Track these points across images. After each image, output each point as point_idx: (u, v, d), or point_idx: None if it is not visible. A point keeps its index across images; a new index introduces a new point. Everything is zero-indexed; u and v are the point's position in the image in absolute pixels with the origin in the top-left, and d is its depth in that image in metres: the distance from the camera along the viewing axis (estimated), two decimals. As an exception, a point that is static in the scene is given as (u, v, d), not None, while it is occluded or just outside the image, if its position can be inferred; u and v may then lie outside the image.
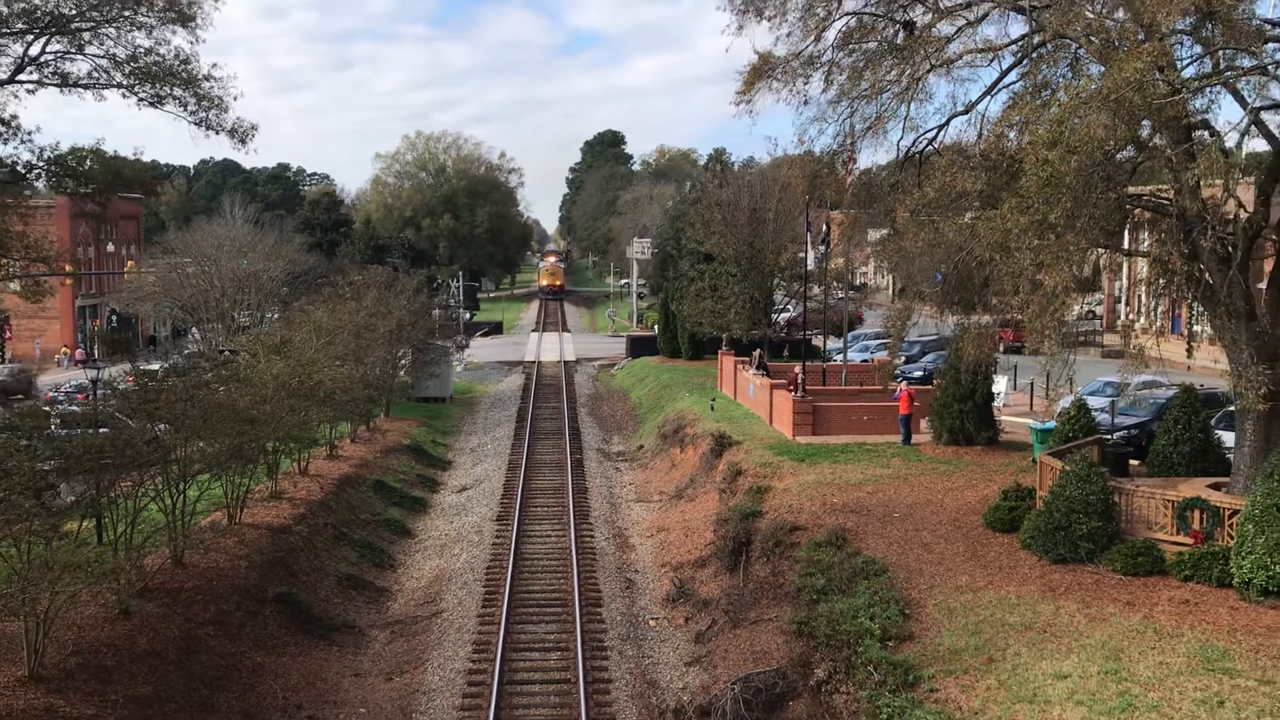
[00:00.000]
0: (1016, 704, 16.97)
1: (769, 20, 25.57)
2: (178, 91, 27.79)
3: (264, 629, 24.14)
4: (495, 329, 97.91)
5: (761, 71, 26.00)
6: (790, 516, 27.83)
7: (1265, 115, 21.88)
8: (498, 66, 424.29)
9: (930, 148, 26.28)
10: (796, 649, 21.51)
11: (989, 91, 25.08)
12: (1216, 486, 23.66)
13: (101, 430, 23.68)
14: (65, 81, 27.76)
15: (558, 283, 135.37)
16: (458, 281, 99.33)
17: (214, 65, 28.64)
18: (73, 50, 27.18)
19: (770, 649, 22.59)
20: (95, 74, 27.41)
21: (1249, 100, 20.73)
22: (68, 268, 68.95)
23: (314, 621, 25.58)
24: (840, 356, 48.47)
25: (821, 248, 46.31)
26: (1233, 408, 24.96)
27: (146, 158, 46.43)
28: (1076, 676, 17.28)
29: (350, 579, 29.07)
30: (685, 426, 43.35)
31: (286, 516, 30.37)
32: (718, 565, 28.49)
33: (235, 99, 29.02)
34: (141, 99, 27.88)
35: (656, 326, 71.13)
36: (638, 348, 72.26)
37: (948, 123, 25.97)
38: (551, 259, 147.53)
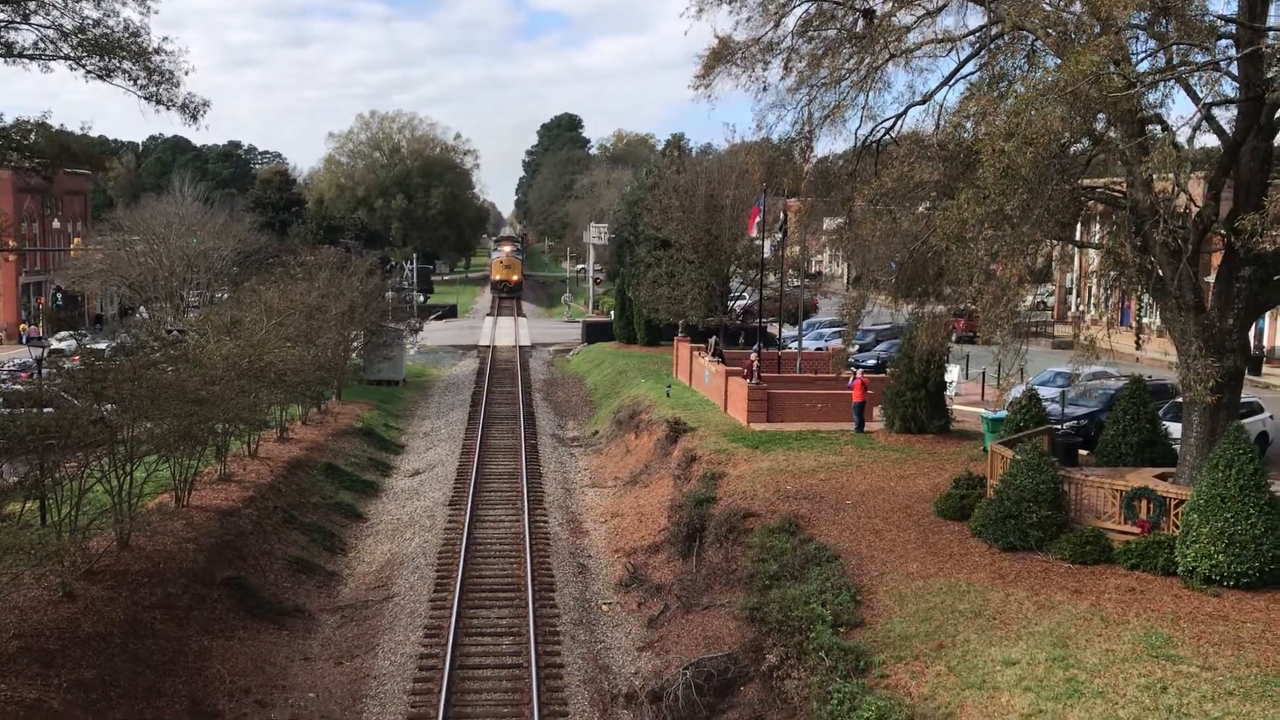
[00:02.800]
0: (966, 690, 17.14)
1: (729, 4, 25.45)
2: (127, 65, 27.13)
3: (212, 613, 23.83)
4: (450, 312, 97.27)
5: (721, 56, 25.91)
6: (744, 503, 27.91)
7: (1216, 111, 22.15)
8: (457, 47, 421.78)
9: (888, 137, 26.35)
10: (748, 634, 21.60)
11: (947, 82, 25.18)
12: (1163, 477, 24.03)
13: (46, 410, 23.19)
14: (9, 52, 27.02)
15: (514, 278, 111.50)
16: (411, 264, 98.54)
17: (165, 38, 27.99)
18: (17, 19, 26.46)
19: (722, 634, 22.66)
20: (41, 44, 26.70)
21: (1201, 96, 20.96)
22: (11, 243, 67.64)
23: (263, 605, 25.29)
24: (795, 344, 48.64)
25: (779, 235, 46.41)
26: (1180, 399, 25.34)
27: (94, 133, 45.54)
28: (1025, 663, 17.49)
29: (300, 563, 28.78)
30: (640, 412, 43.34)
31: (235, 499, 29.98)
32: (671, 551, 28.53)
33: (187, 73, 28.42)
34: (89, 72, 27.21)
35: (613, 312, 71.05)
36: (594, 333, 72.14)
37: (905, 112, 26.04)
38: (507, 248, 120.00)
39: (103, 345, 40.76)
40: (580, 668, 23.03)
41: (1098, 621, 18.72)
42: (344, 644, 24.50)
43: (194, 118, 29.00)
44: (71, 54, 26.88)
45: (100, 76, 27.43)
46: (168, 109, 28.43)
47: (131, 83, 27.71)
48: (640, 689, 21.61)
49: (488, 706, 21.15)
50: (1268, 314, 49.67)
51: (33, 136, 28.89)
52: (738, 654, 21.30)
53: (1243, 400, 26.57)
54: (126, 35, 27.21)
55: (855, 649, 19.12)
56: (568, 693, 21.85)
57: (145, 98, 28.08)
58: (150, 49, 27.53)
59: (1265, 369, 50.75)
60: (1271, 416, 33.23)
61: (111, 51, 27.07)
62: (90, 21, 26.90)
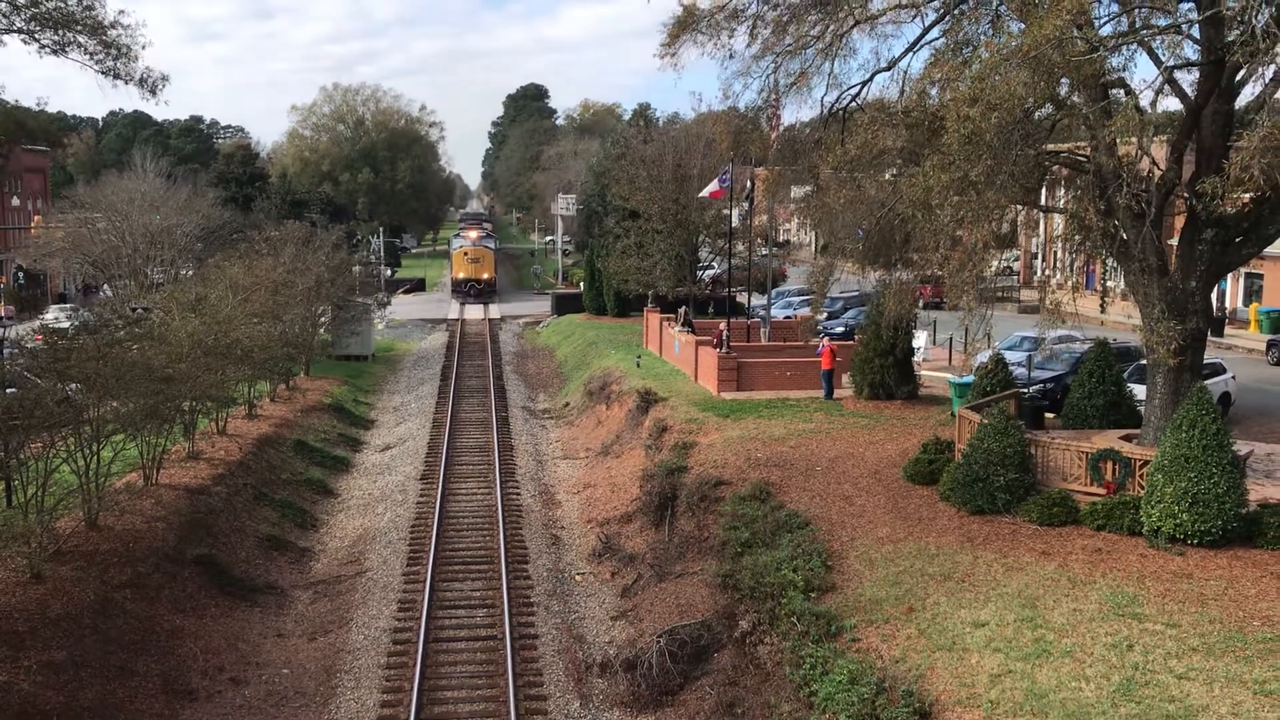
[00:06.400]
0: (936, 652, 17.35)
1: (694, -30, 25.37)
2: (82, 39, 26.74)
3: (183, 591, 23.73)
4: (417, 286, 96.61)
5: (686, 24, 25.83)
6: (715, 471, 28.03)
7: (1179, 74, 22.29)
8: (423, 17, 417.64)
9: (854, 104, 26.38)
10: (721, 601, 21.74)
11: (912, 48, 25.21)
12: (1128, 438, 24.32)
13: (9, 390, 22.92)
14: (-41, 26, 26.57)
15: (484, 275, 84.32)
16: (378, 237, 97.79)
17: (121, 12, 27.63)
18: (-34, -8, 26.04)
19: (695, 602, 22.80)
20: (-7, 19, 26.30)
21: (1163, 59, 21.07)
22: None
23: (235, 583, 25.21)
24: (764, 313, 48.73)
25: (745, 204, 46.37)
26: (1145, 362, 25.62)
27: (52, 108, 44.84)
28: (994, 624, 17.71)
29: (272, 539, 28.68)
30: (611, 384, 43.36)
31: (205, 477, 29.81)
32: (644, 520, 28.63)
33: (144, 47, 28.20)
34: (44, 46, 26.77)
35: (582, 284, 70.88)
36: (563, 305, 71.98)
37: (871, 79, 26.09)
38: (473, 234, 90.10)
39: (65, 324, 40.29)
40: (554, 638, 23.13)
41: (1065, 582, 18.97)
42: (317, 619, 24.47)
43: (153, 92, 28.69)
44: (24, 28, 26.43)
45: (55, 51, 27.03)
46: (126, 84, 28.14)
47: (88, 57, 27.33)
48: (615, 658, 21.71)
49: (462, 678, 21.21)
50: (1229, 276, 50.23)
51: (-13, 114, 28.44)
52: (711, 621, 21.45)
53: (1206, 361, 26.88)
54: (81, 9, 26.80)
55: (827, 614, 19.29)
56: (542, 663, 21.95)
57: (102, 72, 27.73)
58: (106, 23, 27.18)
59: (1228, 330, 51.36)
60: (1234, 377, 33.65)
61: (66, 25, 26.65)
62: (43, -6, 26.47)
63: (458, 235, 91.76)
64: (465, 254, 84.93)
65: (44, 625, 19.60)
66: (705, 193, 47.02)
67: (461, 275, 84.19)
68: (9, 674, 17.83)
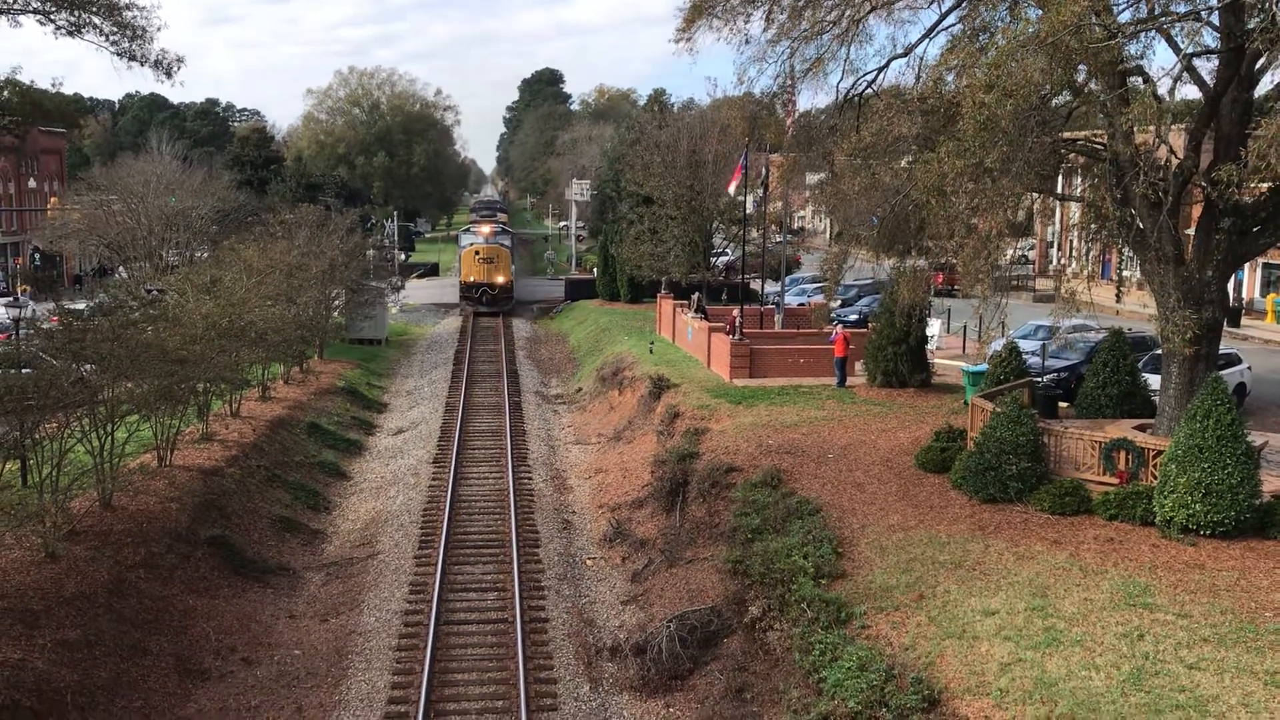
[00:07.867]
0: (946, 640, 17.34)
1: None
2: (97, 20, 26.84)
3: (196, 572, 23.87)
4: (431, 270, 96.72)
5: (702, 9, 25.74)
6: (727, 458, 28.03)
7: (1197, 62, 22.13)
8: (440, 1, 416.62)
9: (869, 90, 26.27)
10: (731, 587, 21.77)
11: (928, 34, 25.09)
12: (1142, 428, 24.21)
13: (25, 370, 23.03)
14: (-24, 6, 26.69)
15: (498, 279, 69.88)
16: (393, 221, 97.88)
17: (137, -8, 27.63)
18: (-16, -28, 26.15)
19: (706, 587, 22.83)
20: (9, -1, 26.40)
21: (1182, 46, 20.92)
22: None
23: (247, 564, 25.34)
24: (777, 300, 48.66)
25: (759, 191, 46.25)
26: (1160, 351, 25.50)
27: (69, 90, 45.01)
28: (1004, 613, 17.69)
29: (284, 521, 28.81)
30: (624, 369, 43.37)
31: (218, 459, 29.94)
32: (655, 506, 28.66)
33: (160, 29, 28.39)
34: (59, 27, 26.86)
35: (595, 269, 70.82)
36: (576, 291, 71.93)
37: (887, 65, 26.00)
38: (486, 229, 72.73)
39: (81, 305, 40.45)
40: (565, 622, 23.19)
41: (1076, 571, 18.93)
42: (329, 601, 24.59)
43: (168, 74, 28.79)
44: (40, 8, 26.52)
45: (70, 32, 27.10)
46: (141, 65, 28.24)
47: (103, 38, 27.42)
48: (625, 642, 21.77)
49: (473, 660, 21.30)
50: (1246, 266, 49.95)
51: (3, 94, 28.56)
52: (721, 607, 21.48)
53: (1221, 351, 26.74)
54: (97, -10, 26.86)
55: (837, 600, 19.30)
56: (553, 646, 22.02)
57: (118, 54, 27.82)
58: (121, 4, 27.22)
59: (1244, 321, 51.10)
60: (1249, 368, 33.50)
61: (81, 6, 26.74)
62: (58, -25, 26.54)
63: (467, 230, 77.23)
64: (477, 253, 70.63)
65: (59, 604, 19.75)
66: (731, 188, 46.83)
67: (472, 278, 70.56)
68: (24, 652, 17.97)
